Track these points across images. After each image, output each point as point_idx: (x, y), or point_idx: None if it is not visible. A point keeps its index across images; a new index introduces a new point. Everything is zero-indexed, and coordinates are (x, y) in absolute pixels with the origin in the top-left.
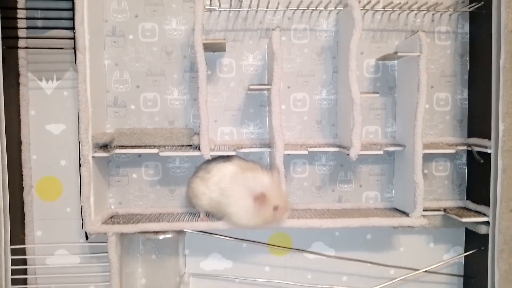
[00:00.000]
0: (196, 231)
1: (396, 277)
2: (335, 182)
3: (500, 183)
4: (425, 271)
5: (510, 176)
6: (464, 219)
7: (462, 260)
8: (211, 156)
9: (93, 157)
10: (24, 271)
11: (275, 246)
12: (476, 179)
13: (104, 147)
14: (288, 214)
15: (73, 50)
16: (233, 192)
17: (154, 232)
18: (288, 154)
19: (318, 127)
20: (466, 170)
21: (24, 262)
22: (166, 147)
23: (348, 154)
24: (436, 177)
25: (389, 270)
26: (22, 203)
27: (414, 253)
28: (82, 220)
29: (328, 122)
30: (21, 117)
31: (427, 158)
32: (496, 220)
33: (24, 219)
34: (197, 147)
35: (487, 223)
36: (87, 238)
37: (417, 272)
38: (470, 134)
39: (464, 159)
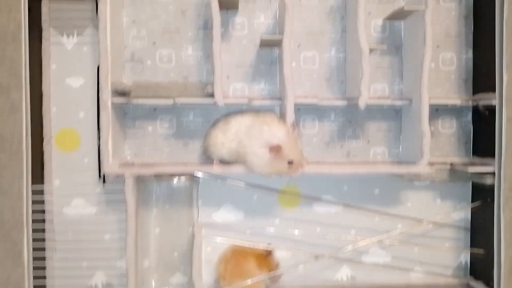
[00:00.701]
0: (210, 175)
1: (404, 232)
2: (343, 138)
3: (505, 133)
4: (432, 223)
5: None
6: (471, 169)
7: (469, 216)
8: (224, 103)
9: (112, 103)
10: (43, 220)
11: (289, 193)
12: (482, 136)
13: (122, 95)
14: (303, 170)
15: (95, 2)
16: (250, 142)
17: (169, 175)
18: (298, 109)
19: (327, 84)
20: (472, 127)
21: (42, 210)
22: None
23: (356, 104)
24: (443, 134)
25: (397, 225)
26: (42, 153)
27: (421, 209)
28: (99, 170)
29: (337, 79)
30: (42, 71)
31: (433, 115)
32: (502, 168)
33: (43, 168)
34: (211, 95)
35: (493, 174)
36: (104, 182)
37: (423, 223)
38: (475, 92)
39: (469, 116)
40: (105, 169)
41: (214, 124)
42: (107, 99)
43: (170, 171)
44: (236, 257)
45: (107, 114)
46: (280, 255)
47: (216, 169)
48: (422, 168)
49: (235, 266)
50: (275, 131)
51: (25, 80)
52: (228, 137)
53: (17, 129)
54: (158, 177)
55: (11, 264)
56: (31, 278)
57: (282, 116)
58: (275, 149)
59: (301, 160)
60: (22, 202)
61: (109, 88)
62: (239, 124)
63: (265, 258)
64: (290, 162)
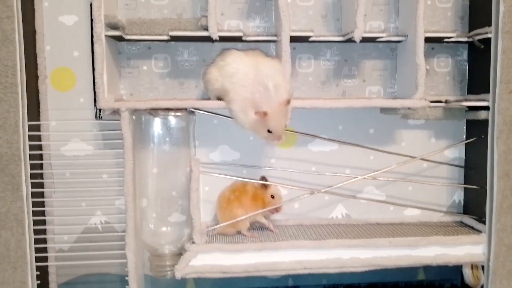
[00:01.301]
0: (205, 110)
1: (398, 171)
2: (339, 77)
3: (500, 65)
4: (426, 161)
5: (510, 57)
6: (465, 103)
7: (463, 155)
8: (218, 37)
9: (105, 35)
10: (40, 158)
11: (290, 131)
12: (478, 74)
13: (115, 29)
14: (280, 143)
15: None
16: (240, 94)
17: (165, 110)
18: (294, 48)
19: (323, 21)
20: (467, 66)
21: (40, 149)
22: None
23: (352, 39)
24: (438, 73)
25: (391, 164)
26: (37, 92)
27: (416, 148)
28: (95, 109)
29: (333, 16)
30: (35, 8)
31: (429, 54)
32: (496, 101)
33: (39, 107)
34: (205, 28)
35: (487, 109)
36: (101, 118)
37: (417, 158)
38: (471, 30)
39: (465, 55)
40: (101, 103)
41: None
42: (101, 31)
43: (166, 105)
44: (235, 192)
45: (101, 47)
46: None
47: (212, 103)
48: (416, 102)
49: (234, 200)
50: (269, 96)
51: (17, 12)
52: (222, 74)
53: (11, 61)
54: (155, 112)
55: (11, 197)
56: (31, 211)
57: (277, 55)
58: (261, 115)
59: (281, 134)
60: (19, 136)
61: (102, 21)
62: (236, 66)
63: (262, 192)
64: (270, 131)
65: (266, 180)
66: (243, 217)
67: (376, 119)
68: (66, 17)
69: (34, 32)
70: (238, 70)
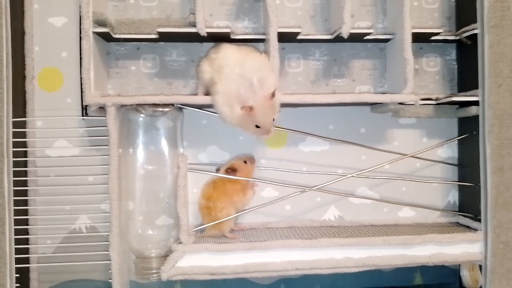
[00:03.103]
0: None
1: (391, 172)
2: (328, 76)
3: (487, 59)
4: (418, 158)
5: (497, 51)
6: (455, 98)
7: (456, 154)
8: (206, 33)
9: (93, 32)
10: (25, 162)
11: (280, 128)
12: (467, 73)
13: (103, 26)
14: (269, 137)
15: None
16: (225, 87)
17: (152, 106)
18: (283, 48)
19: (312, 21)
20: (456, 65)
21: (24, 152)
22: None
23: (339, 35)
24: (427, 72)
25: (384, 166)
26: (24, 92)
27: (408, 147)
28: (82, 110)
29: (321, 17)
30: (25, 9)
31: (418, 53)
32: (485, 95)
33: (25, 107)
34: (193, 25)
35: (478, 104)
36: (87, 114)
37: (408, 155)
38: (458, 29)
39: (453, 55)
40: (87, 99)
41: None
42: (88, 27)
43: (153, 100)
44: (211, 198)
45: (89, 43)
46: (267, 193)
47: (200, 98)
48: (406, 96)
49: (213, 207)
50: (254, 90)
51: (5, 9)
52: (212, 67)
53: None
54: (141, 108)
55: None
56: (12, 209)
57: (267, 53)
58: (247, 109)
59: (269, 128)
60: (3, 131)
61: (91, 17)
62: (225, 60)
63: (234, 175)
64: (258, 127)
65: (230, 168)
66: (227, 218)
67: (367, 119)
68: (55, 18)
69: (23, 33)
70: (226, 64)
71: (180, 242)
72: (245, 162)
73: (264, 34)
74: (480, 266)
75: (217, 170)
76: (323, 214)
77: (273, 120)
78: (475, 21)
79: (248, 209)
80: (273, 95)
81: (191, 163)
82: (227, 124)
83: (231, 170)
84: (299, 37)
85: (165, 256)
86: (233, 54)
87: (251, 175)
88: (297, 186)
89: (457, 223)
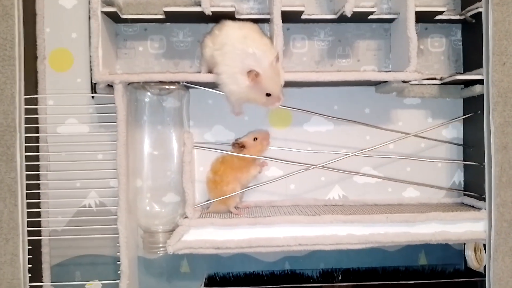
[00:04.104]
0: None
1: (396, 152)
2: (333, 57)
3: (492, 37)
4: (422, 138)
5: (501, 29)
6: (459, 76)
7: (461, 135)
8: (211, 12)
9: (101, 12)
10: (37, 139)
11: (285, 107)
12: (472, 53)
13: (111, 5)
14: (280, 104)
15: None
16: (229, 65)
17: (159, 83)
18: (288, 29)
19: (316, 2)
20: (461, 46)
21: (36, 129)
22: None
23: (343, 14)
24: (432, 53)
25: (389, 146)
26: (36, 72)
27: (413, 128)
28: (91, 89)
29: None
30: None
31: (423, 34)
32: (490, 73)
33: (37, 87)
34: (198, 4)
35: (482, 83)
36: (96, 92)
37: (411, 134)
38: (463, 8)
39: (459, 35)
40: (95, 76)
41: None
42: (97, 7)
43: (159, 78)
44: (218, 172)
45: (97, 22)
46: (272, 172)
47: (205, 76)
48: (409, 74)
49: (220, 181)
50: (258, 58)
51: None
52: (214, 43)
53: (10, 35)
54: (148, 85)
55: (5, 167)
56: (24, 183)
57: (271, 35)
58: (253, 77)
59: (279, 93)
60: (15, 107)
61: None
62: (228, 37)
63: (242, 152)
64: (268, 95)
65: (237, 144)
66: (233, 194)
67: (372, 99)
68: (65, 0)
69: (34, 15)
70: (228, 41)
71: (186, 217)
72: (255, 139)
73: (269, 14)
74: (485, 246)
75: (233, 145)
76: (327, 193)
77: (281, 85)
78: (479, 0)
79: (253, 186)
80: (277, 58)
81: (197, 142)
82: (236, 103)
83: (238, 146)
84: (303, 16)
85: (171, 231)
86: (235, 31)
87: (261, 153)
88: (301, 164)
89: (462, 203)
